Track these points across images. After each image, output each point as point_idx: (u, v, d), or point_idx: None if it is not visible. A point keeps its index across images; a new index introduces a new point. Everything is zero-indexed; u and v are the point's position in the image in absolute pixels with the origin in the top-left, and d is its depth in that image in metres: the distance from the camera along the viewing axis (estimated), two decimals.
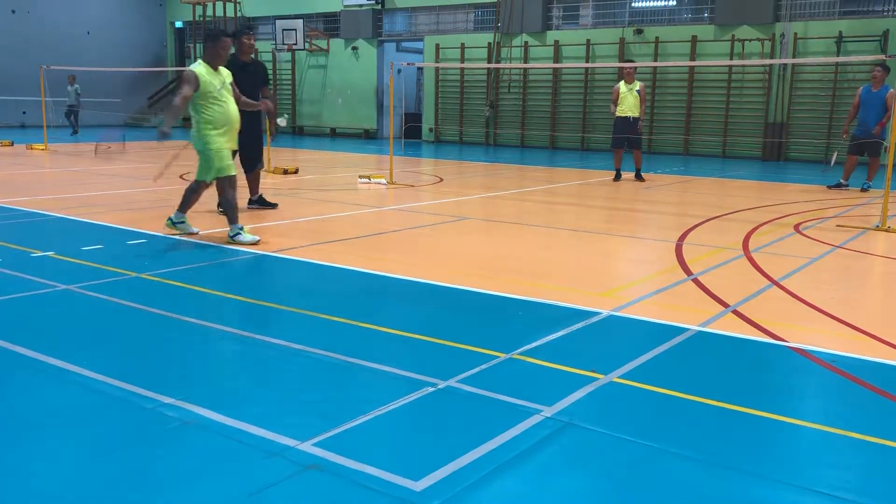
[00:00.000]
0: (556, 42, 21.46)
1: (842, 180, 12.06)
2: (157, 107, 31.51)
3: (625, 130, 12.95)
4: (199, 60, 6.88)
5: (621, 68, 13.18)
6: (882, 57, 10.17)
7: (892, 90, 11.14)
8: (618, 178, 13.18)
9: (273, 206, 8.83)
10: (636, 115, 12.88)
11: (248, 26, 8.67)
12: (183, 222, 7.14)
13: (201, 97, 6.75)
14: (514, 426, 3.07)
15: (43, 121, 18.36)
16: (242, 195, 8.06)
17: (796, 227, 8.25)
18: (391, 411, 3.21)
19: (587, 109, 21.40)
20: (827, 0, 17.99)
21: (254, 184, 8.76)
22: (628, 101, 12.82)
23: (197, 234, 7.16)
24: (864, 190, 11.78)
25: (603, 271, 6.21)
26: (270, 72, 26.23)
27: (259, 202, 8.78)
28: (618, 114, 12.95)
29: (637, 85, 12.91)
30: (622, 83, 12.93)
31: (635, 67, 13.18)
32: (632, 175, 13.36)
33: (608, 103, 20.85)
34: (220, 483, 2.62)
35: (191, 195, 7.09)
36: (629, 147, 13.15)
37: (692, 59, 19.15)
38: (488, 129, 23.11)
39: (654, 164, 15.44)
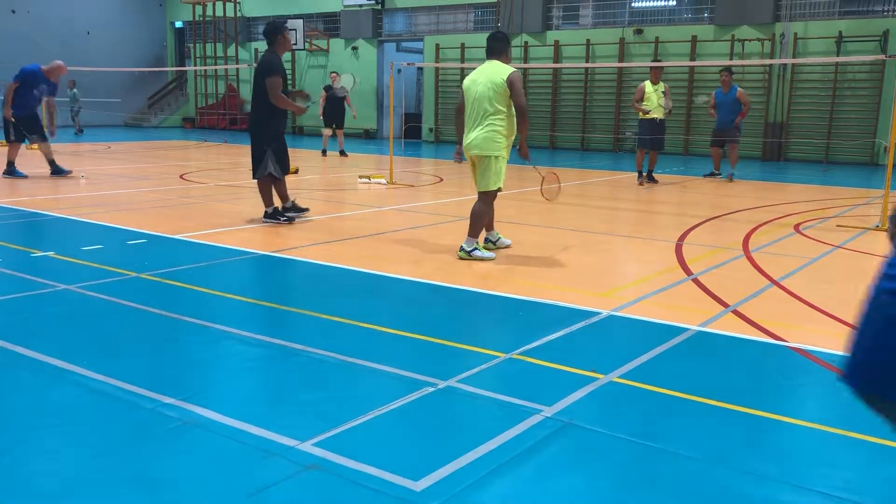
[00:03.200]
0: (556, 42, 21.46)
1: (714, 170, 13.80)
2: (156, 107, 31.53)
3: (651, 132, 12.63)
4: (501, 62, 6.28)
5: (651, 68, 13.01)
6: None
7: (739, 89, 13.16)
8: (641, 178, 12.84)
9: (292, 219, 7.97)
10: (661, 116, 12.61)
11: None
12: (476, 248, 6.28)
13: (509, 103, 6.21)
14: (514, 426, 3.07)
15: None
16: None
17: (796, 227, 8.25)
18: (391, 411, 3.21)
19: (587, 109, 21.40)
20: (827, 0, 17.99)
21: (283, 189, 8.03)
22: (653, 102, 12.50)
23: (510, 245, 6.77)
24: (730, 179, 13.25)
25: (603, 271, 6.21)
26: None
27: (274, 215, 7.89)
28: (642, 116, 12.66)
29: (662, 86, 12.64)
30: (647, 83, 12.65)
31: (662, 68, 13.01)
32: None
33: (608, 103, 21.10)
34: (219, 483, 2.62)
35: (481, 217, 6.32)
36: (651, 147, 12.82)
37: (692, 59, 19.15)
38: None
39: (656, 165, 15.43)
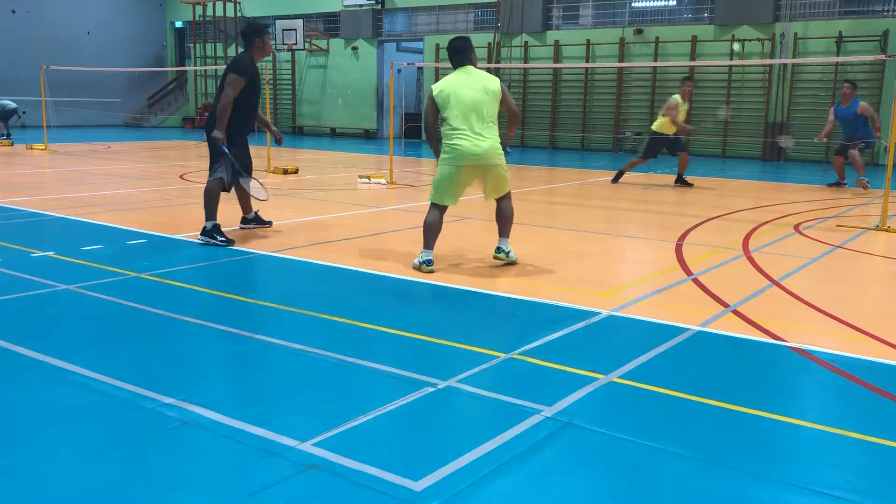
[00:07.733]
0: (556, 42, 21.46)
1: (840, 179, 12.60)
2: (156, 107, 31.53)
3: (662, 143, 12.22)
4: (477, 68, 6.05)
5: (684, 82, 12.34)
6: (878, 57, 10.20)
7: (861, 103, 12.17)
8: (617, 179, 12.73)
9: (268, 223, 7.63)
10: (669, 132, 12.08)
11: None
12: (429, 260, 5.88)
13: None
14: (514, 426, 3.07)
15: (43, 121, 18.35)
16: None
17: (796, 227, 8.25)
18: (391, 411, 3.21)
19: (587, 109, 21.40)
20: (827, 0, 17.99)
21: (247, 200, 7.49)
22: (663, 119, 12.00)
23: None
24: (864, 186, 12.14)
25: (603, 271, 6.20)
26: (270, 72, 26.21)
27: (256, 220, 7.54)
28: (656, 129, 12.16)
29: (683, 104, 12.14)
30: (678, 97, 12.05)
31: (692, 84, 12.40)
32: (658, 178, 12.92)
33: (608, 103, 21.09)
34: (220, 483, 2.62)
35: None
36: (671, 152, 12.38)
37: (692, 59, 19.15)
38: None
39: (655, 164, 15.45)
